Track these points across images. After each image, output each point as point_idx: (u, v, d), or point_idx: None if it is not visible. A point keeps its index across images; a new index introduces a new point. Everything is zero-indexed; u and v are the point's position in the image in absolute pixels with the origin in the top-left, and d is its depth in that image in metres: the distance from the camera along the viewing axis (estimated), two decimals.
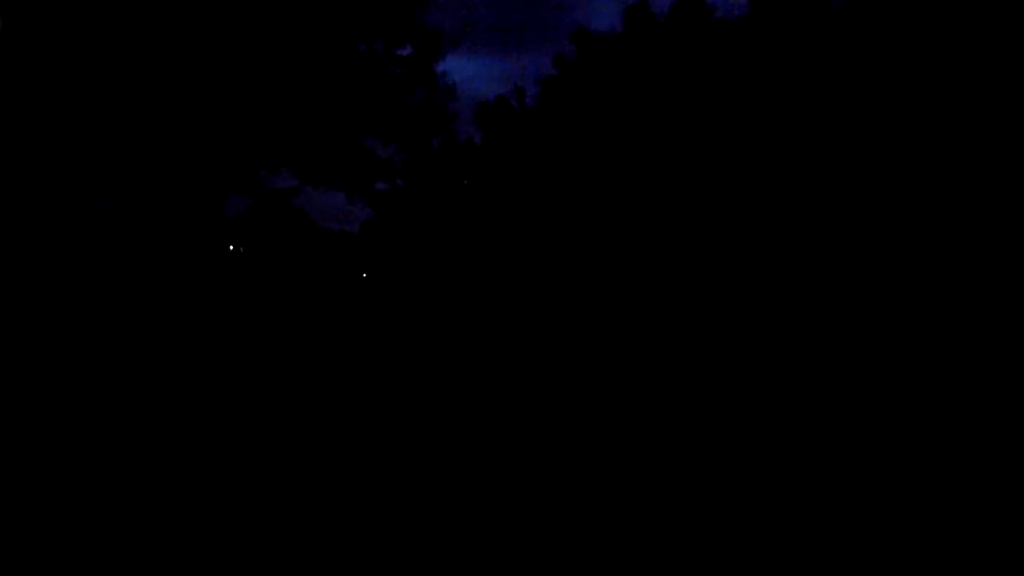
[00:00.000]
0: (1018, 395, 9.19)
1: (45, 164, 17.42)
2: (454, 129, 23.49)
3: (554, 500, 4.98)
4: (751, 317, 23.22)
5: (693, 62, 23.93)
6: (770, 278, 25.60)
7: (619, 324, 21.97)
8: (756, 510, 4.84)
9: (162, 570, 3.72)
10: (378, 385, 10.02)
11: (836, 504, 4.97)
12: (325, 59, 16.42)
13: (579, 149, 28.74)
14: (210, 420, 7.37)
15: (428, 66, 16.84)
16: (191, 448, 6.19)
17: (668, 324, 21.70)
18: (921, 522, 4.64)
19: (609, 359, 12.96)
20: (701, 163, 26.85)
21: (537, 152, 30.09)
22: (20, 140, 16.98)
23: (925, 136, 22.13)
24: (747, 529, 4.48)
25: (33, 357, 11.31)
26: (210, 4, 14.92)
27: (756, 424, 7.59)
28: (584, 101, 27.63)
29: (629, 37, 24.78)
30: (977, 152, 20.85)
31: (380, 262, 42.11)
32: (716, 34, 24.79)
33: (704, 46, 24.00)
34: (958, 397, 9.20)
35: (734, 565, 3.94)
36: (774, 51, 26.80)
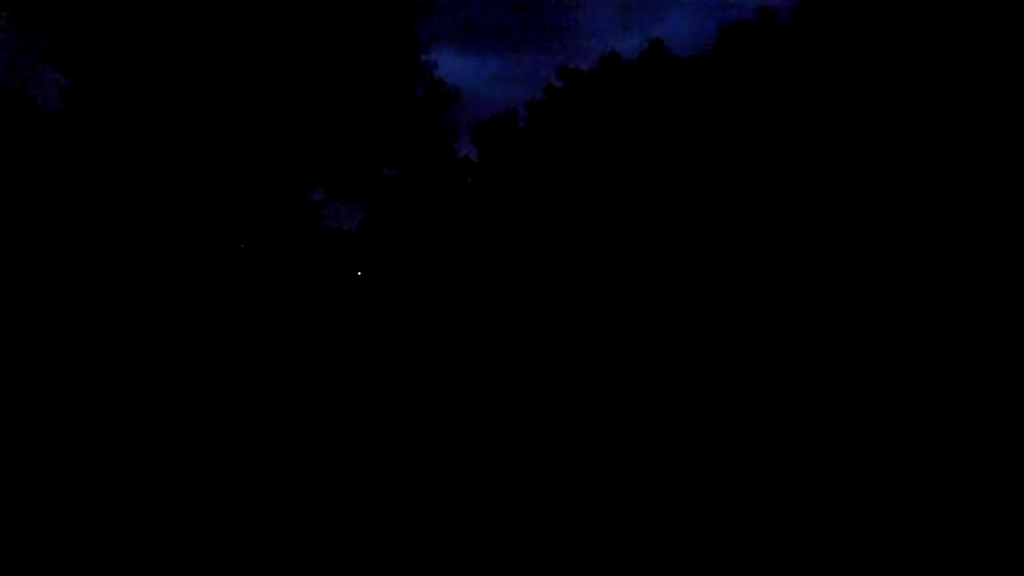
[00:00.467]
0: (1017, 395, 9.10)
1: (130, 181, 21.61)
2: (455, 149, 28.11)
3: (553, 499, 4.93)
4: (721, 330, 23.87)
5: (655, 96, 28.38)
6: (742, 289, 28.42)
7: (598, 326, 24.16)
8: (755, 509, 4.80)
9: (162, 570, 3.65)
10: (369, 381, 10.03)
11: (835, 503, 4.93)
12: (355, 106, 20.96)
13: (564, 166, 33.11)
14: (207, 414, 7.37)
15: (438, 113, 21.49)
16: (189, 444, 6.14)
17: (644, 327, 23.06)
18: (920, 521, 4.59)
19: (589, 362, 13.03)
20: (668, 180, 31.06)
21: (527, 167, 34.47)
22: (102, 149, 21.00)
23: (887, 161, 23.77)
24: (746, 528, 4.43)
25: (36, 353, 11.14)
26: (267, 74, 19.43)
27: (755, 423, 7.54)
28: (567, 126, 32.09)
29: (603, 76, 29.34)
30: (933, 186, 22.36)
31: (378, 261, 44.22)
32: (676, 71, 29.16)
33: (665, 83, 28.44)
34: (957, 397, 9.11)
35: (734, 565, 3.87)
36: (733, 82, 30.77)
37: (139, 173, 21.20)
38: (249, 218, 22.65)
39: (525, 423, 7.57)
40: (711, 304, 28.23)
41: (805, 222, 26.61)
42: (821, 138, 26.91)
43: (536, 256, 33.07)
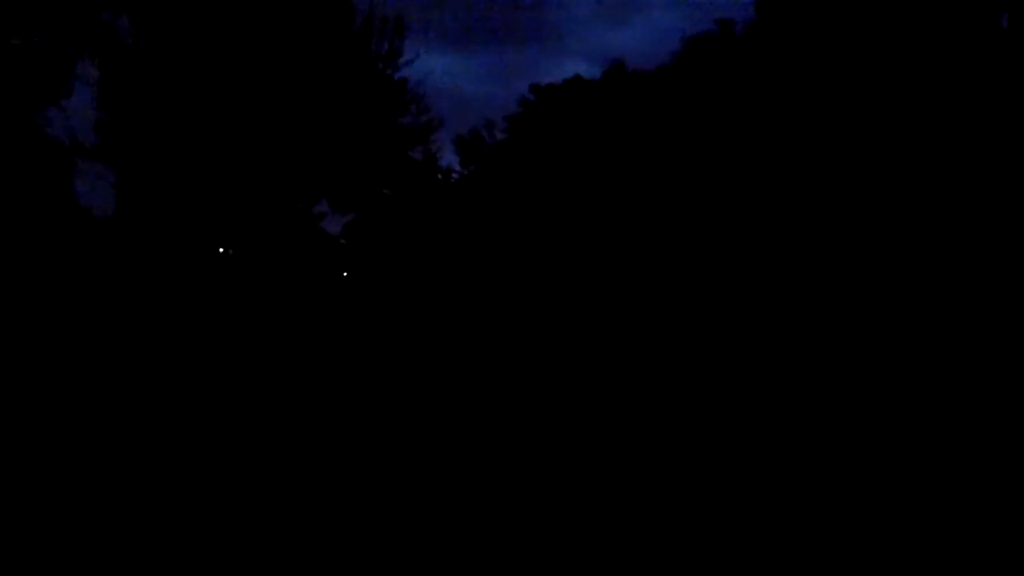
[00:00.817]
0: (1018, 395, 8.90)
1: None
2: (439, 164, 32.13)
3: (552, 501, 4.83)
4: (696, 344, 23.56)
5: (616, 109, 31.86)
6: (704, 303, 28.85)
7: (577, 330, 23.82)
8: (755, 510, 4.72)
9: (161, 570, 3.69)
10: (353, 378, 10.10)
11: (835, 504, 4.85)
12: (352, 132, 24.46)
13: (539, 175, 36.48)
14: (197, 421, 7.21)
15: (425, 136, 25.31)
16: (186, 448, 6.07)
17: (625, 334, 22.55)
18: (920, 522, 4.54)
19: (563, 359, 13.07)
20: (634, 188, 34.28)
21: (504, 176, 37.87)
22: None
23: (845, 176, 23.05)
24: (746, 528, 4.41)
25: (34, 358, 11.23)
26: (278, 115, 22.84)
27: (756, 425, 7.40)
28: (539, 137, 35.56)
29: (570, 91, 32.93)
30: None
31: (363, 264, 46.20)
32: (635, 86, 32.59)
33: (624, 98, 31.90)
34: (957, 398, 8.92)
35: (733, 565, 3.88)
36: (693, 94, 33.83)
37: (152, 187, 23.98)
38: (255, 226, 25.88)
39: (507, 422, 7.56)
40: (689, 310, 28.68)
41: (776, 230, 25.48)
42: (779, 148, 27.67)
43: (511, 255, 36.19)
